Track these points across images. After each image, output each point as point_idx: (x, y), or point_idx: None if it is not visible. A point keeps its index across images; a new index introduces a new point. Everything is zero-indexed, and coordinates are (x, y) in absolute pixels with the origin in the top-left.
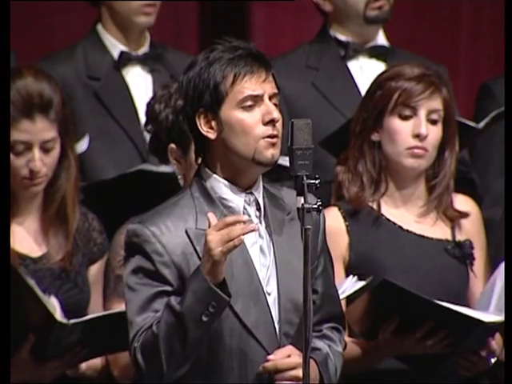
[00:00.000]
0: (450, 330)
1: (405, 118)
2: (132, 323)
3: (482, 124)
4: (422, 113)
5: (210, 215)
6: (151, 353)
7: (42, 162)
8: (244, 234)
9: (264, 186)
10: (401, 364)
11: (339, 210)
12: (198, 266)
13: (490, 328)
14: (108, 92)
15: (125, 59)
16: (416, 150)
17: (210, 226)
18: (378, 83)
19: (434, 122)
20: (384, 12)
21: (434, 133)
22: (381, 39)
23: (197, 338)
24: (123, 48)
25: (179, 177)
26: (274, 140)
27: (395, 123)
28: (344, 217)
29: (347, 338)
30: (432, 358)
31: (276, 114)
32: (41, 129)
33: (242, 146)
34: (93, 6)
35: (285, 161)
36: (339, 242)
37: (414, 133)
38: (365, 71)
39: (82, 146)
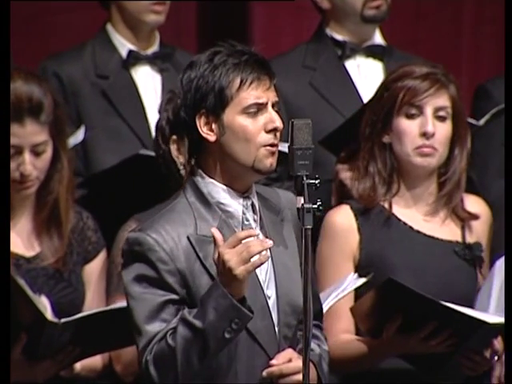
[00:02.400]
0: (453, 331)
1: (411, 117)
2: (141, 332)
3: (482, 121)
4: (429, 111)
5: (215, 231)
6: (166, 365)
7: (32, 166)
8: (263, 251)
9: None
10: (403, 364)
11: (351, 208)
12: (215, 282)
13: (495, 329)
14: (116, 91)
15: (133, 58)
16: (424, 149)
17: (215, 243)
18: (385, 85)
19: (442, 119)
20: (381, 11)
21: (443, 130)
22: (377, 38)
23: (216, 352)
24: (132, 47)
25: (181, 167)
26: (274, 149)
27: (402, 123)
28: (355, 215)
29: (352, 336)
30: (436, 358)
31: (279, 123)
32: (31, 132)
33: (243, 153)
34: (103, 7)
35: (284, 147)
36: (350, 239)
37: (421, 131)
38: (362, 70)
39: (79, 136)
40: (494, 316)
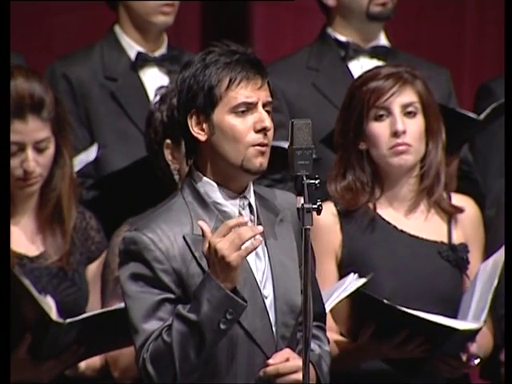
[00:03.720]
0: (426, 338)
1: (380, 118)
2: (138, 331)
3: (482, 115)
4: (396, 109)
5: (202, 223)
6: (163, 362)
7: (35, 162)
8: (254, 236)
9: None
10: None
11: (335, 206)
12: (207, 274)
13: (466, 335)
14: (124, 92)
15: (142, 60)
16: (398, 148)
17: (203, 235)
18: (351, 93)
19: (412, 116)
20: (387, 9)
21: (414, 126)
22: (382, 40)
23: (213, 344)
24: (140, 49)
25: (174, 172)
26: (264, 149)
27: (373, 127)
28: (339, 213)
29: (333, 336)
30: (413, 360)
31: (268, 123)
32: (33, 129)
33: (232, 152)
34: (111, 8)
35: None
36: (332, 237)
37: (391, 131)
38: None
39: (91, 154)
40: (465, 322)
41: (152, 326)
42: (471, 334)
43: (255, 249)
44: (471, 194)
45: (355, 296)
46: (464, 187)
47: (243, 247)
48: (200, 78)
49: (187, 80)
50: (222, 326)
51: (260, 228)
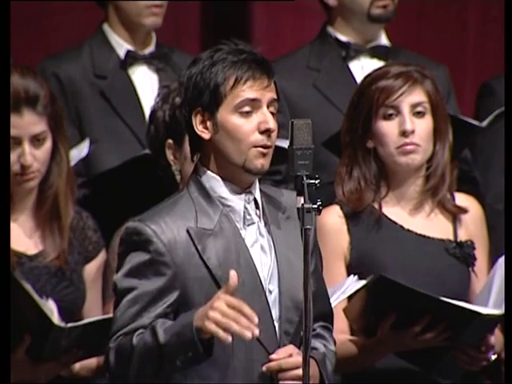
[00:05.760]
0: (447, 324)
1: (389, 117)
2: (122, 314)
3: (485, 122)
4: (405, 109)
5: (234, 274)
6: (123, 360)
7: (32, 157)
8: (240, 334)
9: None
10: (401, 363)
11: (341, 208)
12: (194, 311)
13: (488, 321)
14: (114, 91)
15: (131, 58)
16: (406, 147)
17: (227, 289)
18: (359, 91)
19: (420, 115)
20: (388, 11)
21: (422, 125)
22: (383, 39)
23: (168, 372)
24: (129, 47)
25: (176, 173)
26: (266, 151)
27: (381, 125)
28: (345, 215)
29: (347, 336)
30: (432, 353)
31: (272, 124)
32: (29, 122)
33: (234, 152)
34: (100, 7)
35: (285, 143)
36: (340, 240)
37: (400, 130)
38: (366, 71)
39: (83, 150)
40: (487, 308)
41: (137, 316)
42: (492, 323)
43: (220, 339)
44: (471, 193)
45: (375, 284)
46: (463, 186)
47: (218, 329)
48: (206, 76)
49: (193, 77)
50: (178, 363)
51: (254, 333)
